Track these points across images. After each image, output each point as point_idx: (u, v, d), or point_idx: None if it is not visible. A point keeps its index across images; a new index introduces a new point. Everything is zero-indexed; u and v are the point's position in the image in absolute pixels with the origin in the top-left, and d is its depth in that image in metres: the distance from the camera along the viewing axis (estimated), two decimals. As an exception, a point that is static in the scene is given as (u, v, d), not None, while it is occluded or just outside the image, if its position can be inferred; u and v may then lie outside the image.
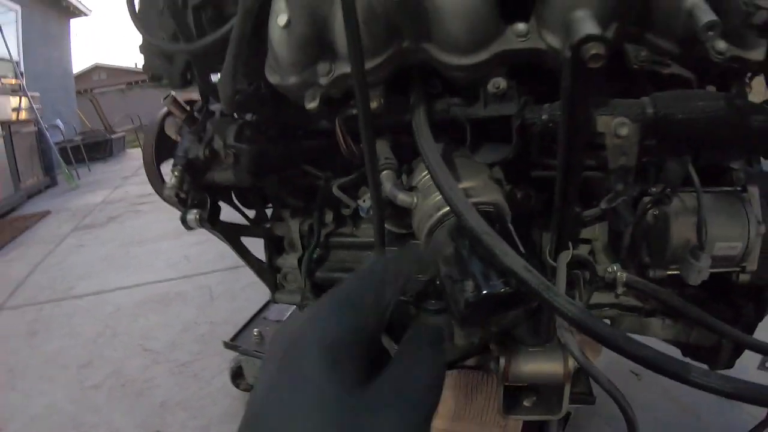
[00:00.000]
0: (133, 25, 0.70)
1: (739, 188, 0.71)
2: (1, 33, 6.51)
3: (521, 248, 0.56)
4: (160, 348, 1.95)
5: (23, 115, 6.07)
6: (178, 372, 1.77)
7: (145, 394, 1.69)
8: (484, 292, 0.49)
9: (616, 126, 0.55)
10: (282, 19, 0.56)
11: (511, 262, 0.47)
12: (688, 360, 0.80)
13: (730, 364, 0.84)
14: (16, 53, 7.23)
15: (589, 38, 0.47)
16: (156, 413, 1.58)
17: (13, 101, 5.79)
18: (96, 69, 21.15)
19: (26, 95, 6.12)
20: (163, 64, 0.73)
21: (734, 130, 0.59)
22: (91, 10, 11.11)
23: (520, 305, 0.53)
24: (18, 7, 7.92)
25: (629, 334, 0.84)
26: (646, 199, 0.70)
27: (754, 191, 0.71)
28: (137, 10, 0.72)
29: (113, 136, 8.50)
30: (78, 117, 9.73)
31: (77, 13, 10.81)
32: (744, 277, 0.72)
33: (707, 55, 0.54)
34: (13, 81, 6.24)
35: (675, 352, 0.87)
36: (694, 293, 0.81)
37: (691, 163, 0.65)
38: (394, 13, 0.54)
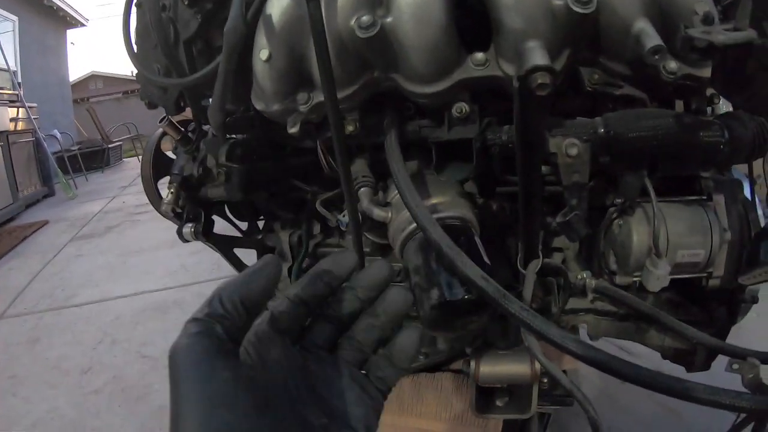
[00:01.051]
0: (129, 59, 0.76)
1: (704, 197, 0.74)
2: (-1, 44, 6.54)
3: (485, 259, 0.61)
4: (158, 355, 2.00)
5: (21, 126, 6.09)
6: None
7: (144, 399, 1.73)
8: (447, 298, 0.55)
9: (567, 146, 0.60)
10: (264, 54, 0.61)
11: (470, 271, 0.52)
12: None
13: (705, 367, 0.86)
14: (13, 63, 7.27)
15: (536, 69, 0.52)
16: (154, 417, 1.62)
17: (11, 112, 5.82)
18: (92, 77, 21.17)
19: (24, 105, 6.15)
20: (159, 92, 0.79)
21: (684, 145, 0.63)
22: (87, 20, 11.17)
23: (482, 311, 0.58)
24: (15, 18, 7.96)
25: (607, 338, 0.89)
26: (612, 209, 0.75)
27: (719, 199, 0.74)
28: (134, 44, 0.78)
29: (110, 146, 8.52)
30: (75, 126, 9.77)
31: (74, 23, 10.87)
32: (713, 282, 0.75)
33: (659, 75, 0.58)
34: (11, 91, 6.27)
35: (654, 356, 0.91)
36: (669, 297, 0.85)
37: (649, 175, 0.70)
38: (363, 48, 0.59)
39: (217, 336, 0.33)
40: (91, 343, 2.21)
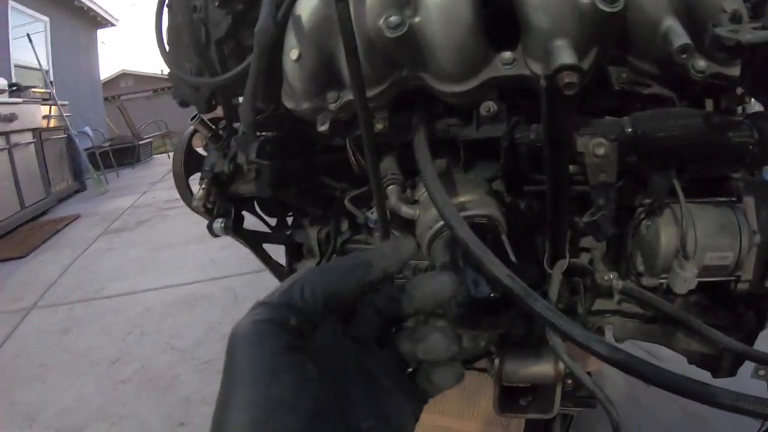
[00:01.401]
0: (162, 59, 0.78)
1: (733, 198, 0.73)
2: (31, 43, 6.72)
3: (512, 257, 0.62)
4: (186, 346, 2.04)
5: (53, 123, 6.26)
6: (203, 369, 1.86)
7: (170, 389, 1.77)
8: (474, 296, 0.56)
9: (594, 146, 0.60)
10: (294, 54, 0.63)
11: (496, 270, 0.52)
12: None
13: (732, 373, 0.84)
14: (45, 63, 7.49)
15: (563, 68, 0.52)
16: (181, 407, 1.66)
17: (44, 109, 5.97)
18: (123, 76, 21.62)
19: (56, 104, 6.31)
20: (190, 91, 0.81)
21: (712, 146, 0.63)
22: (117, 20, 11.41)
23: (508, 310, 0.59)
24: (47, 18, 8.19)
25: (633, 340, 0.88)
26: (640, 209, 0.74)
27: (749, 201, 0.72)
28: (165, 44, 0.81)
29: (140, 142, 8.69)
30: (106, 123, 10.00)
31: (104, 23, 11.13)
32: (742, 286, 0.74)
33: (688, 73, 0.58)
34: (43, 90, 6.44)
35: (680, 360, 0.89)
36: (696, 301, 0.84)
37: (677, 175, 0.70)
38: (392, 47, 0.60)
39: (287, 330, 0.31)
40: (120, 335, 2.27)
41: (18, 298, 2.91)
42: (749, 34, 0.56)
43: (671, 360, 0.92)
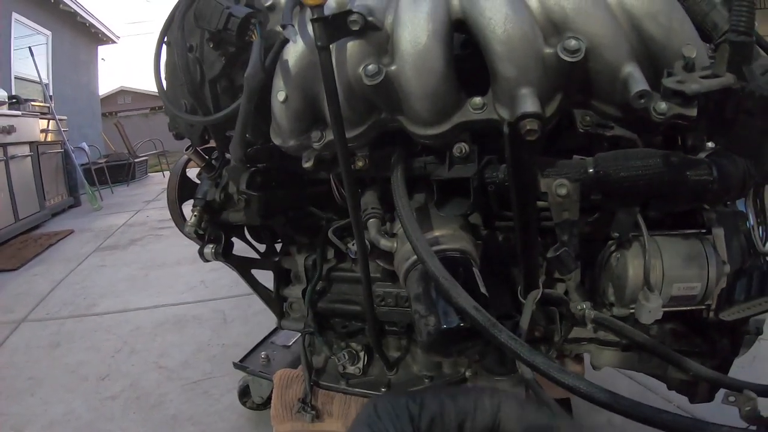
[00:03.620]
0: (159, 96, 0.83)
1: (703, 230, 0.76)
2: (33, 56, 6.76)
3: (482, 289, 0.66)
4: (175, 366, 2.05)
5: (51, 137, 6.25)
6: (190, 389, 1.86)
7: (158, 408, 1.78)
8: (443, 326, 0.60)
9: (556, 186, 0.63)
10: (281, 96, 0.68)
11: (464, 302, 0.56)
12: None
13: (709, 398, 0.87)
14: (45, 77, 7.53)
15: (525, 116, 0.57)
16: (168, 425, 1.66)
17: (42, 123, 5.98)
18: (121, 92, 21.72)
19: (54, 118, 6.33)
20: (185, 126, 0.86)
21: (672, 184, 0.66)
22: (119, 37, 11.52)
23: (477, 338, 0.62)
24: (49, 32, 8.26)
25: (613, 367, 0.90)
26: (610, 242, 0.77)
27: (718, 232, 0.75)
28: (163, 80, 0.86)
29: (136, 160, 8.71)
30: (103, 140, 10.03)
31: (105, 39, 11.21)
32: (714, 315, 0.76)
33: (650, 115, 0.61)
34: (42, 103, 6.47)
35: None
36: (672, 328, 0.87)
37: (641, 211, 0.73)
38: (370, 93, 0.65)
39: None
40: (109, 351, 2.27)
41: (9, 310, 2.90)
42: (695, 83, 0.58)
43: (656, 386, 0.93)
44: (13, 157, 5.05)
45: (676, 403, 1.30)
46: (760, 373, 1.38)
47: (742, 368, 0.83)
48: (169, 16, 0.82)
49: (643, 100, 0.60)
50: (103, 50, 11.52)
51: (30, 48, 6.92)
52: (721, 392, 0.72)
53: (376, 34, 0.63)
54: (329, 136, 0.70)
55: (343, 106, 0.61)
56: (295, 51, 0.67)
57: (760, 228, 0.78)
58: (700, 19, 0.69)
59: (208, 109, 0.79)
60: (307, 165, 0.71)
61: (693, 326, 0.86)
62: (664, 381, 0.94)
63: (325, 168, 0.74)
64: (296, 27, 0.66)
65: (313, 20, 0.57)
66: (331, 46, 0.59)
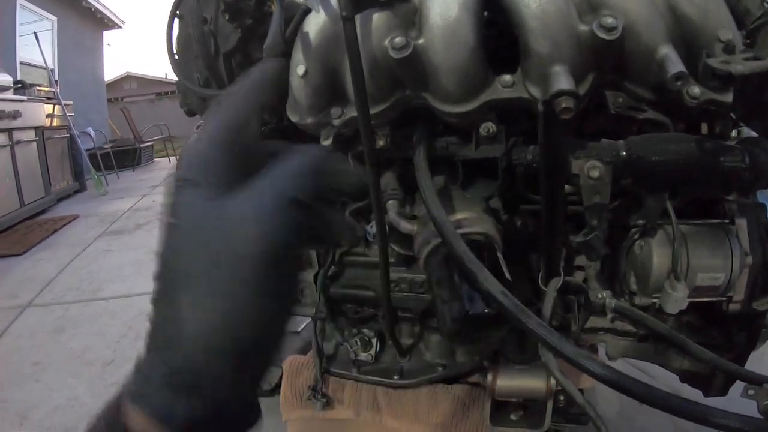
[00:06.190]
0: (171, 68, 0.80)
1: (726, 221, 0.74)
2: (38, 42, 6.76)
3: (506, 275, 0.63)
4: (180, 351, 2.05)
5: (56, 122, 6.28)
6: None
7: (163, 393, 1.78)
8: (468, 312, 0.57)
9: (589, 168, 0.61)
10: (300, 69, 0.65)
11: (490, 286, 0.54)
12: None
13: (723, 392, 0.86)
14: (51, 62, 7.51)
15: (560, 93, 0.54)
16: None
17: (47, 108, 5.99)
18: (127, 78, 21.70)
19: (60, 103, 6.33)
20: (198, 101, 0.83)
21: (705, 170, 0.64)
22: (124, 22, 11.49)
23: (501, 325, 0.60)
24: (54, 18, 8.25)
25: (628, 358, 0.89)
26: (634, 230, 0.76)
27: (741, 223, 0.74)
28: (175, 54, 0.83)
29: (142, 145, 8.72)
30: (108, 125, 10.03)
31: (111, 24, 11.20)
32: (734, 307, 0.76)
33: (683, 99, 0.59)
34: (48, 88, 6.47)
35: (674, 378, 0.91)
36: (689, 320, 0.85)
37: (670, 198, 0.71)
38: (396, 67, 0.62)
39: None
40: (115, 337, 2.27)
41: (14, 295, 2.91)
42: (740, 65, 0.58)
43: (664, 378, 0.94)
44: (18, 142, 5.05)
45: (686, 396, 1.29)
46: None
47: (750, 362, 0.82)
48: (183, -13, 0.79)
49: (680, 82, 0.58)
50: (108, 35, 11.50)
51: (35, 33, 6.91)
52: (735, 387, 0.71)
53: (404, 6, 0.61)
54: (350, 113, 0.67)
55: (367, 81, 0.58)
56: (317, 22, 0.64)
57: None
58: (733, 4, 0.67)
59: (223, 83, 0.76)
60: (326, 143, 0.68)
61: (710, 319, 0.84)
62: (677, 373, 0.92)
63: (343, 147, 0.72)
64: (319, -4, 0.64)
65: None
66: (356, 17, 0.57)
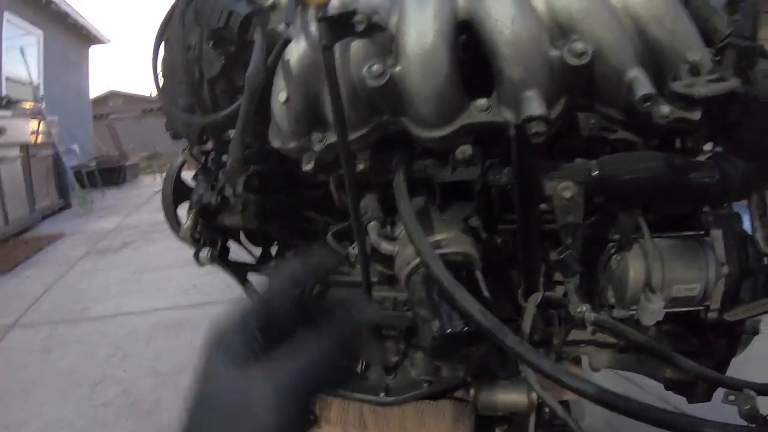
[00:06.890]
0: (157, 93, 0.81)
1: (701, 232, 0.76)
2: (23, 56, 6.68)
3: (485, 293, 0.65)
4: (168, 371, 2.03)
5: (41, 139, 6.20)
6: (185, 394, 1.86)
7: (153, 414, 1.76)
8: (447, 330, 0.59)
9: (561, 189, 0.63)
10: (282, 96, 0.67)
11: (468, 305, 0.55)
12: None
13: (707, 398, 0.87)
14: (36, 77, 7.43)
15: (531, 118, 0.57)
16: (162, 432, 1.65)
17: (32, 124, 5.93)
18: (112, 95, 21.54)
19: (45, 119, 6.26)
20: (183, 126, 0.84)
21: (675, 186, 0.66)
22: (109, 39, 11.47)
23: (481, 342, 0.62)
24: (40, 32, 8.17)
25: (611, 369, 0.91)
26: (611, 244, 0.77)
27: (717, 234, 0.75)
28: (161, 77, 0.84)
29: (127, 163, 8.66)
30: (94, 142, 9.95)
31: (96, 40, 11.15)
32: (712, 315, 0.77)
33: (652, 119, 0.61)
34: (33, 104, 6.40)
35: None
36: (669, 329, 0.87)
37: (643, 213, 0.73)
38: (374, 94, 0.64)
39: None
40: (103, 357, 2.25)
41: (0, 314, 2.87)
42: (703, 87, 0.60)
43: (652, 387, 0.95)
44: (2, 159, 5.00)
45: (673, 403, 1.31)
46: (754, 371, 1.39)
47: (733, 368, 0.84)
48: (168, 12, 0.81)
49: (648, 104, 0.60)
50: (93, 51, 11.45)
51: (21, 48, 6.83)
52: (718, 392, 0.73)
53: (381, 35, 0.62)
54: (330, 138, 0.69)
55: (346, 108, 0.60)
56: (298, 50, 0.66)
57: (764, 229, 0.78)
58: (701, 24, 0.69)
59: (207, 108, 0.78)
60: (307, 168, 0.70)
61: (690, 327, 0.86)
62: (661, 381, 0.94)
63: (325, 171, 0.74)
64: (299, 26, 0.65)
65: (318, 19, 0.57)
66: (334, 46, 0.59)
